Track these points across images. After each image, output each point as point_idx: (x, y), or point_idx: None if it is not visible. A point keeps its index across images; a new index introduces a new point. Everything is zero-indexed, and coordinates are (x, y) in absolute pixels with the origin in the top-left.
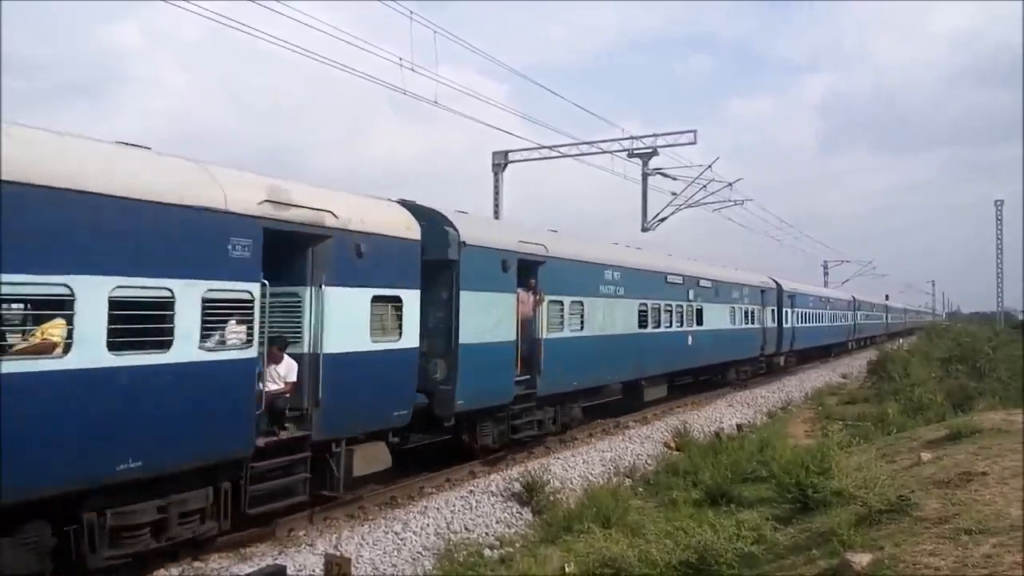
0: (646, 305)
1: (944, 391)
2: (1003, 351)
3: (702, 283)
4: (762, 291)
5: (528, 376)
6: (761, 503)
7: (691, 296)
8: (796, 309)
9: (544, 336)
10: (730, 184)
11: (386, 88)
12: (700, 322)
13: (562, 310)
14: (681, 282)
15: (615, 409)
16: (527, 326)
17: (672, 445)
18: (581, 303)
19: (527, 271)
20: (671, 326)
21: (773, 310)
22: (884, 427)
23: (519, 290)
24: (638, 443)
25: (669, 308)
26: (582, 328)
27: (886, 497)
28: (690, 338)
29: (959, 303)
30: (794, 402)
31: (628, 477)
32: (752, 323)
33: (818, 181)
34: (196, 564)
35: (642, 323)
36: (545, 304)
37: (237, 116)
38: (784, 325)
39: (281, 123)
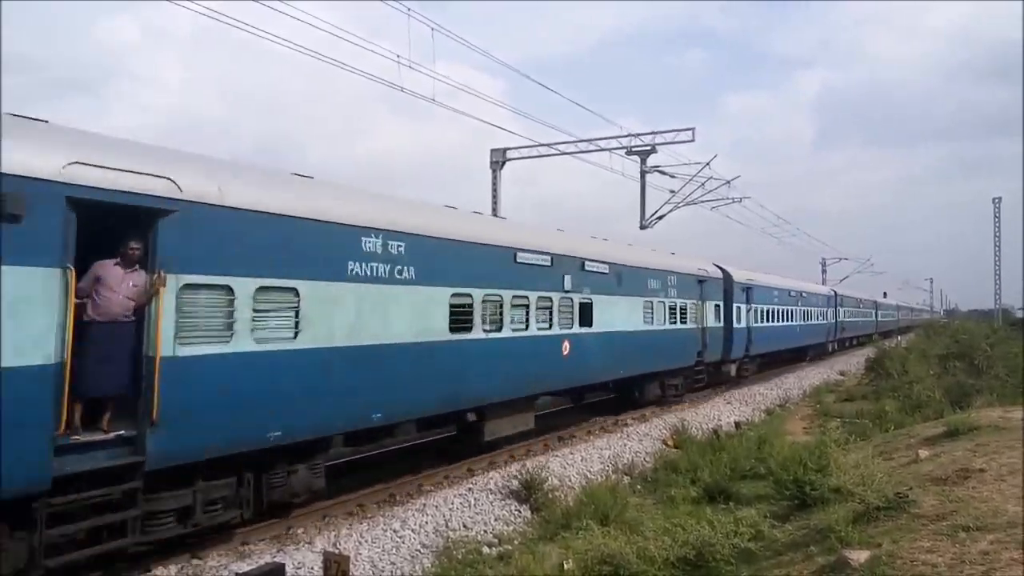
0: (470, 297)
1: (942, 388)
2: (1001, 348)
3: (590, 266)
4: (700, 281)
5: (131, 432)
6: (759, 500)
7: (568, 285)
8: (754, 305)
9: (172, 353)
10: (728, 182)
11: (384, 86)
12: (587, 322)
13: (232, 304)
14: (548, 264)
15: (430, 458)
16: (124, 334)
17: (670, 443)
18: (294, 291)
19: (122, 226)
20: (528, 328)
21: (718, 306)
22: (882, 424)
23: (107, 262)
24: (636, 441)
25: (524, 301)
26: (296, 335)
27: (884, 494)
28: (567, 345)
29: (957, 300)
30: (792, 399)
31: (627, 474)
32: (684, 322)
33: (814, 177)
34: (195, 562)
35: (460, 324)
36: (168, 292)
37: (235, 112)
38: (736, 324)
39: (279, 119)
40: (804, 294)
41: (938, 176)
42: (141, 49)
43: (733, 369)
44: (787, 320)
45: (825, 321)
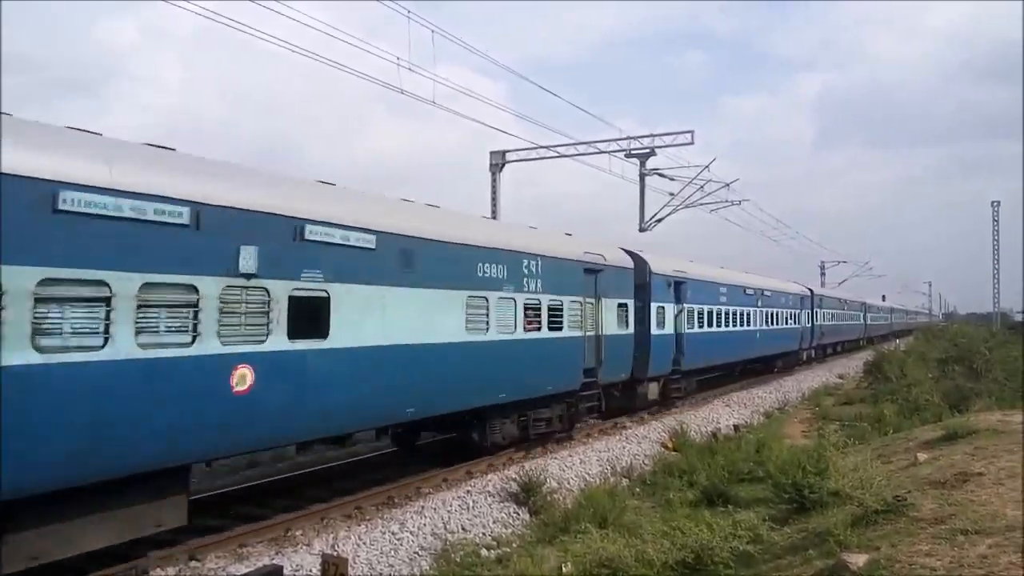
0: None
1: (941, 392)
2: (999, 352)
3: (323, 235)
4: (591, 271)
5: None
6: (758, 503)
7: (251, 264)
8: (687, 305)
9: None
10: (727, 184)
11: (384, 88)
12: (313, 331)
13: None
14: (183, 222)
15: None
16: None
17: (669, 445)
18: None
19: None
20: (111, 343)
21: (624, 306)
22: (881, 428)
23: None
24: (635, 443)
25: (94, 292)
26: None
27: (882, 497)
28: (246, 374)
29: (955, 303)
30: (791, 403)
31: (625, 477)
32: (558, 328)
33: (814, 178)
34: (193, 564)
35: None
36: None
37: (235, 112)
38: (657, 330)
39: (280, 119)
40: (767, 292)
41: (938, 176)
42: (141, 49)
43: (654, 390)
44: (741, 324)
45: (797, 325)
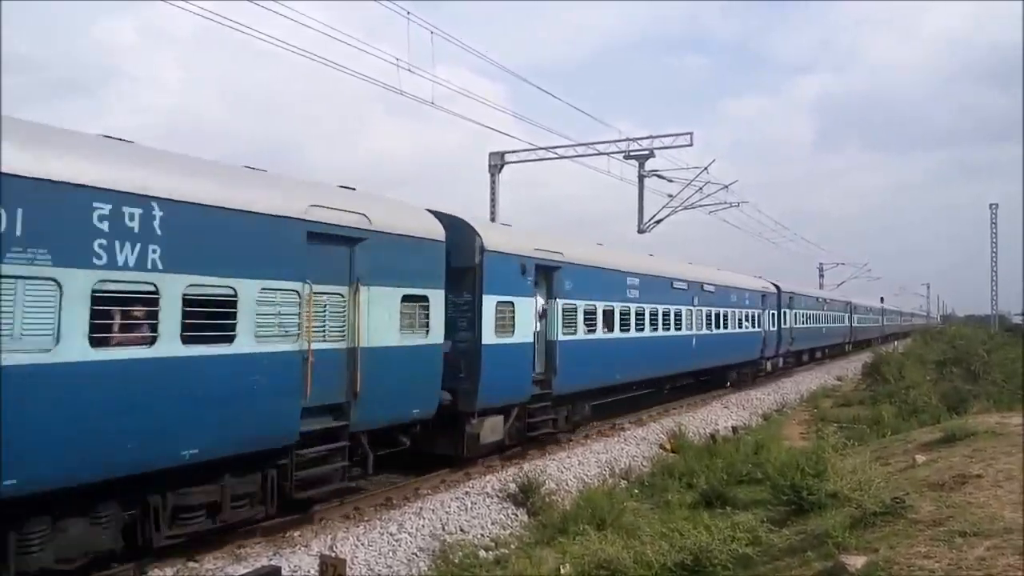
0: None
1: (939, 394)
2: (998, 354)
3: None
4: (333, 240)
5: None
6: (756, 505)
7: None
8: (565, 302)
9: None
10: (726, 186)
11: (384, 88)
12: None
13: None
14: None
15: None
16: None
17: (667, 447)
18: None
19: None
20: None
21: (420, 298)
22: (879, 429)
23: None
24: (633, 445)
25: None
26: None
27: (880, 499)
28: None
29: (953, 305)
30: (789, 404)
31: (624, 479)
32: (231, 340)
33: (814, 179)
34: (191, 564)
35: None
36: None
37: (235, 112)
38: (501, 338)
39: (281, 120)
40: (707, 287)
41: (937, 179)
42: (140, 50)
43: (493, 428)
44: (665, 328)
45: (757, 329)
